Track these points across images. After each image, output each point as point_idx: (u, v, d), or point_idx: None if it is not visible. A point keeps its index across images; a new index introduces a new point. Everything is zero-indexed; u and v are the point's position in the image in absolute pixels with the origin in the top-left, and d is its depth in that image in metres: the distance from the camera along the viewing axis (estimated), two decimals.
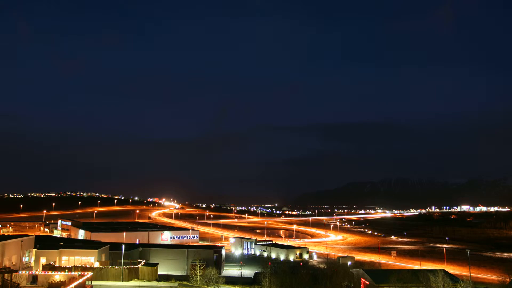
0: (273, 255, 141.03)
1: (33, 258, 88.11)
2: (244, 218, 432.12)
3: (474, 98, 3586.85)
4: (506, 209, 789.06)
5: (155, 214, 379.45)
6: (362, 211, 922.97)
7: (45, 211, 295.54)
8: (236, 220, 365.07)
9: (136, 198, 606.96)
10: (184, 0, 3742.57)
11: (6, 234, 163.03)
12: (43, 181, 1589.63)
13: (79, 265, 78.76)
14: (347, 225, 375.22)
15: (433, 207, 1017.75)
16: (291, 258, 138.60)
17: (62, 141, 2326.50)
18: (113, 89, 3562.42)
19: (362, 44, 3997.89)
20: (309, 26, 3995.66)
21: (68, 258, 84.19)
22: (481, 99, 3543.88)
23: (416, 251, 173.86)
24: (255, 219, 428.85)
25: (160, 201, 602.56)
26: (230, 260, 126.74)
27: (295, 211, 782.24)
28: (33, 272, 69.89)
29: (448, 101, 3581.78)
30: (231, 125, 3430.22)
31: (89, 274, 68.47)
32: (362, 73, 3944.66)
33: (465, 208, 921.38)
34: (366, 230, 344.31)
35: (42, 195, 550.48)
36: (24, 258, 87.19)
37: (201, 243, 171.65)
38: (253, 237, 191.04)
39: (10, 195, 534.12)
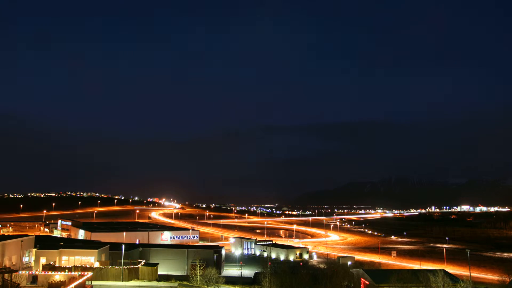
0: (273, 255, 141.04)
1: (33, 258, 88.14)
2: (244, 218, 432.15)
3: (474, 98, 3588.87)
4: (506, 209, 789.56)
5: (155, 214, 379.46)
6: (362, 211, 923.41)
7: (45, 211, 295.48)
8: (236, 220, 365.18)
9: (136, 198, 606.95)
10: None
11: (6, 234, 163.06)
12: (43, 181, 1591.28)
13: (79, 265, 78.78)
14: (347, 225, 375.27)
15: (433, 207, 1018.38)
16: (291, 258, 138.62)
17: (62, 141, 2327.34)
18: (113, 89, 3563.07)
19: (362, 44, 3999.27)
20: (309, 26, 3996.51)
21: (68, 258, 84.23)
22: (481, 99, 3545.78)
23: (416, 251, 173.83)
24: (255, 219, 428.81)
25: (160, 201, 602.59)
26: (230, 260, 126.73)
27: (295, 211, 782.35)
28: (33, 272, 69.92)
29: (448, 101, 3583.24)
30: (231, 125, 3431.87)
31: (89, 274, 68.50)
32: (362, 73, 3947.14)
33: (465, 208, 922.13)
34: (366, 230, 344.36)
35: (42, 195, 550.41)
36: (24, 258, 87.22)
37: (201, 243, 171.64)
38: (253, 237, 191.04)
39: (10, 195, 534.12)
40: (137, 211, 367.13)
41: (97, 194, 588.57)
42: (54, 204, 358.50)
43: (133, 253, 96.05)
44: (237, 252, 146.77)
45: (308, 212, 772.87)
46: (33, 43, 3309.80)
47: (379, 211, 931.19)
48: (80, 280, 62.89)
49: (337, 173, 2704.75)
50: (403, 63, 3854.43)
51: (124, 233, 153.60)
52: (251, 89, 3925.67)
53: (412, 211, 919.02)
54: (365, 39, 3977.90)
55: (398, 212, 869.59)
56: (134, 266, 79.95)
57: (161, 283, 77.03)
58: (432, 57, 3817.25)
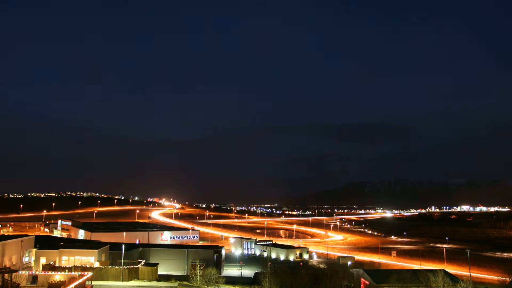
0: (273, 255, 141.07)
1: (33, 258, 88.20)
2: (244, 218, 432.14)
3: (474, 98, 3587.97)
4: (506, 209, 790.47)
5: (155, 214, 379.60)
6: (362, 211, 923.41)
7: (45, 211, 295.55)
8: (236, 220, 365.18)
9: (136, 198, 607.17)
10: None
11: (6, 234, 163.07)
12: (43, 181, 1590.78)
13: (79, 265, 78.84)
14: (347, 225, 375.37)
15: (433, 207, 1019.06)
16: (291, 258, 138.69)
17: (62, 141, 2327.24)
18: (112, 89, 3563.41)
19: (362, 43, 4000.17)
20: (309, 25, 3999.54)
21: (68, 258, 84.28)
22: (481, 99, 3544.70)
23: (416, 251, 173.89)
24: (255, 219, 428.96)
25: (160, 201, 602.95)
26: (230, 260, 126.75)
27: (295, 211, 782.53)
28: (33, 272, 69.95)
29: (448, 101, 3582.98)
30: (231, 125, 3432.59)
31: (89, 274, 68.54)
32: (362, 73, 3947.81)
33: (465, 208, 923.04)
34: (366, 230, 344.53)
35: (42, 195, 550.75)
36: (24, 258, 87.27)
37: (201, 243, 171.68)
38: (253, 237, 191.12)
39: (10, 195, 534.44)
40: (137, 211, 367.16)
41: (97, 194, 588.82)
42: (54, 204, 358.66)
43: (133, 253, 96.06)
44: (237, 252, 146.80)
45: (308, 212, 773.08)
46: (35, 43, 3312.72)
47: (379, 211, 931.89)
48: (80, 280, 62.94)
49: (337, 173, 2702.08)
50: (403, 63, 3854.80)
51: (124, 233, 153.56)
52: (251, 89, 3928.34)
53: (412, 211, 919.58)
54: (366, 39, 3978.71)
55: (398, 212, 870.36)
56: (134, 266, 79.98)
57: (161, 283, 77.07)
58: (432, 57, 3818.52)
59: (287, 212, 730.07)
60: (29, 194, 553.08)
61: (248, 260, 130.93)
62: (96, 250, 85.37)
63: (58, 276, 67.82)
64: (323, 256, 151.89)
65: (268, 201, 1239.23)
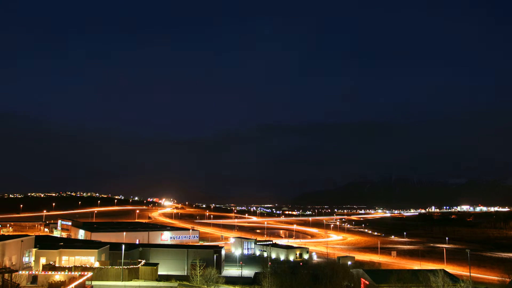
0: (273, 255, 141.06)
1: (33, 258, 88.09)
2: (244, 218, 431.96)
3: (474, 98, 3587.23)
4: (506, 209, 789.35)
5: (155, 214, 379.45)
6: (362, 211, 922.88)
7: (45, 211, 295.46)
8: (236, 220, 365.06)
9: (136, 198, 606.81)
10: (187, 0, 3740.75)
11: (6, 234, 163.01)
12: (43, 181, 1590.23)
13: (79, 265, 78.77)
14: (347, 225, 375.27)
15: (433, 207, 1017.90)
16: (291, 258, 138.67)
17: (62, 141, 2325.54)
18: (113, 89, 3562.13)
19: (362, 43, 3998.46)
20: (309, 25, 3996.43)
21: (68, 258, 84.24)
22: (481, 99, 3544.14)
23: (416, 251, 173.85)
24: (255, 219, 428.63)
25: (160, 201, 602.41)
26: (230, 260, 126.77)
27: (295, 211, 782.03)
28: (33, 272, 69.90)
29: (448, 100, 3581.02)
30: (231, 125, 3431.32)
31: (89, 274, 68.46)
32: (362, 73, 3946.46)
33: (465, 208, 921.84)
34: (366, 230, 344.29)
35: (42, 195, 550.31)
36: (24, 258, 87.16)
37: (201, 243, 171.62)
38: (253, 237, 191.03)
39: (10, 195, 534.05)
40: (137, 211, 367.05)
41: (97, 194, 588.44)
42: (54, 204, 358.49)
43: (133, 253, 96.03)
44: (237, 252, 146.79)
45: (308, 212, 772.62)
46: (32, 43, 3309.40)
47: (379, 211, 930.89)
48: (80, 280, 62.88)
49: (337, 173, 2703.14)
50: (404, 63, 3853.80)
51: (124, 233, 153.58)
52: (251, 89, 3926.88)
53: (412, 211, 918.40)
54: (366, 39, 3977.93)
55: (398, 212, 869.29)
56: (134, 266, 79.94)
57: (161, 283, 77.03)
58: (433, 57, 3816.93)
59: (287, 212, 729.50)
60: (29, 194, 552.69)
61: (248, 260, 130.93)
62: (96, 250, 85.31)
63: (58, 276, 67.76)
64: (323, 256, 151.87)
65: (268, 201, 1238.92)
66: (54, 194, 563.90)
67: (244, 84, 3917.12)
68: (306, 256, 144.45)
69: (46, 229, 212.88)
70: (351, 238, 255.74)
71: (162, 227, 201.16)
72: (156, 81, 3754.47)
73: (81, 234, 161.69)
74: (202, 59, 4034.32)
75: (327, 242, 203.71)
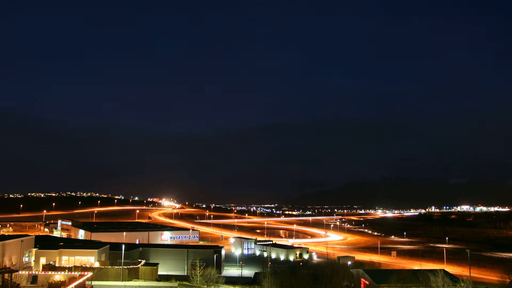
0: (273, 255, 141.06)
1: (33, 258, 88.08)
2: (244, 218, 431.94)
3: (474, 98, 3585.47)
4: (506, 209, 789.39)
5: (155, 214, 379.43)
6: (362, 211, 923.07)
7: (45, 211, 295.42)
8: (236, 220, 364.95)
9: (136, 198, 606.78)
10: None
11: (6, 234, 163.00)
12: (43, 181, 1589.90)
13: (79, 265, 78.80)
14: (347, 225, 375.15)
15: (433, 207, 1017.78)
16: (291, 258, 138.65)
17: (62, 141, 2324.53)
18: (113, 89, 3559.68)
19: (361, 43, 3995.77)
20: (309, 26, 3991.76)
21: (68, 258, 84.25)
22: (481, 98, 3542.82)
23: (416, 251, 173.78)
24: (255, 219, 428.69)
25: (160, 201, 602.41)
26: (230, 260, 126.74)
27: (295, 211, 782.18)
28: (33, 272, 69.92)
29: (448, 100, 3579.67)
30: (231, 124, 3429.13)
31: (89, 274, 68.48)
32: (362, 73, 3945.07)
33: (465, 208, 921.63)
34: (366, 230, 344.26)
35: (42, 195, 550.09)
36: (24, 258, 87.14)
37: (201, 243, 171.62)
38: (253, 237, 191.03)
39: (10, 195, 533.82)
40: (137, 211, 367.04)
41: (97, 194, 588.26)
42: (54, 204, 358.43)
43: (133, 253, 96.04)
44: (237, 252, 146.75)
45: (308, 212, 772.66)
46: (32, 43, 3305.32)
47: (379, 211, 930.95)
48: (80, 280, 62.88)
49: (337, 173, 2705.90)
50: (403, 63, 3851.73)
51: (124, 233, 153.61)
52: (251, 89, 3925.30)
53: (412, 211, 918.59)
54: (366, 39, 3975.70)
55: (398, 212, 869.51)
56: (134, 266, 79.95)
57: (161, 283, 77.04)
58: (432, 57, 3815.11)
59: (287, 212, 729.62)
60: (29, 194, 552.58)
61: (248, 260, 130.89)
62: (96, 250, 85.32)
63: (58, 276, 67.78)
64: (323, 256, 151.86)
65: (268, 201, 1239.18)
66: (54, 194, 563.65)
67: (244, 84, 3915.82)
68: (306, 256, 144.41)
69: (46, 229, 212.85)
70: (351, 238, 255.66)
71: (162, 227, 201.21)
72: (156, 81, 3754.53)
73: (81, 234, 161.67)
74: (202, 59, 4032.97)
75: (327, 242, 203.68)
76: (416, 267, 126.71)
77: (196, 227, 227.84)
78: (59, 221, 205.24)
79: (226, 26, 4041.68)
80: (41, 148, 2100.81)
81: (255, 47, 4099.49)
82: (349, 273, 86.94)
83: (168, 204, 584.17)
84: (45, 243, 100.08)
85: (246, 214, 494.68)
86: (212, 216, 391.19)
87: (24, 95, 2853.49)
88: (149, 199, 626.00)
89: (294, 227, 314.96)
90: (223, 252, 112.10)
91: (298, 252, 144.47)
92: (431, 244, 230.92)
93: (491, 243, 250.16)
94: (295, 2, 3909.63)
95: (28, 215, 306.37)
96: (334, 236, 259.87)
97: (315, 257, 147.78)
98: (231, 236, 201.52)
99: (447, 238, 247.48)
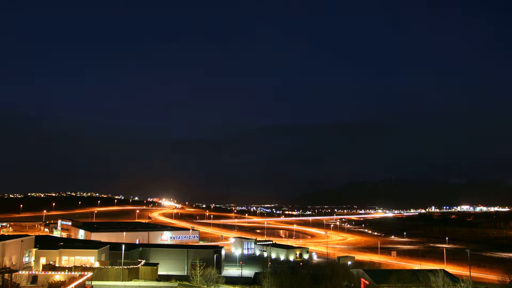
0: (273, 255, 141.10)
1: (33, 258, 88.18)
2: (244, 218, 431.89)
3: (474, 98, 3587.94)
4: (506, 209, 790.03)
5: (155, 214, 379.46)
6: (362, 211, 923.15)
7: (45, 211, 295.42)
8: (236, 220, 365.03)
9: (136, 198, 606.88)
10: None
11: (6, 234, 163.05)
12: (43, 181, 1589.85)
13: (79, 265, 78.83)
14: (347, 225, 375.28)
15: (433, 207, 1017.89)
16: (291, 258, 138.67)
17: (62, 141, 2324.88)
18: (113, 89, 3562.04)
19: (362, 44, 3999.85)
20: (309, 26, 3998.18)
21: (68, 258, 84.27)
22: (481, 98, 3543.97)
23: (416, 251, 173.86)
24: (255, 219, 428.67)
25: (160, 201, 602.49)
26: (230, 260, 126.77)
27: (295, 211, 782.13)
28: (33, 272, 69.95)
29: (448, 100, 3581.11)
30: (231, 125, 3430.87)
31: (89, 274, 68.52)
32: (362, 73, 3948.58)
33: (465, 208, 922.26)
34: (366, 230, 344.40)
35: (42, 195, 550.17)
36: (24, 258, 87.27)
37: (201, 243, 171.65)
38: (253, 237, 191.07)
39: (10, 195, 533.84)
40: (137, 211, 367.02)
41: (97, 194, 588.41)
42: (54, 204, 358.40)
43: (133, 253, 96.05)
44: (237, 252, 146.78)
45: (308, 212, 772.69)
46: (32, 43, 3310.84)
47: (379, 211, 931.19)
48: (80, 280, 62.90)
49: (337, 173, 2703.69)
50: (403, 63, 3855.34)
51: (124, 233, 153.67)
52: (251, 89, 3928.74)
53: (412, 211, 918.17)
54: (366, 39, 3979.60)
55: (398, 212, 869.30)
56: (134, 266, 79.96)
57: (161, 283, 77.06)
58: (432, 58, 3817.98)
59: (287, 212, 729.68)
60: (29, 194, 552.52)
61: (248, 260, 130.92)
62: (96, 250, 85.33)
63: (58, 276, 67.80)
64: (323, 256, 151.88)
65: (268, 201, 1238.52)
66: (54, 194, 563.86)
67: (244, 84, 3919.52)
68: (306, 256, 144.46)
69: (46, 229, 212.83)
70: (351, 238, 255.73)
71: (162, 227, 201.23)
72: (156, 81, 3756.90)
73: (81, 234, 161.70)
74: (202, 59, 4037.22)
75: (327, 242, 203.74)
76: (416, 267, 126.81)
77: (196, 227, 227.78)
78: (59, 221, 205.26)
79: (226, 24, 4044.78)
80: (41, 148, 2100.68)
81: (256, 47, 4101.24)
82: (349, 273, 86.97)
83: (168, 204, 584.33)
84: (45, 243, 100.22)
85: (246, 214, 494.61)
86: (212, 216, 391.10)
87: (24, 95, 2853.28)
88: (149, 199, 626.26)
89: (294, 227, 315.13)
90: (223, 252, 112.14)
91: (298, 252, 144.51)
92: (431, 244, 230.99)
93: (491, 243, 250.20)
94: (296, 3, 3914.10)
95: (28, 215, 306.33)
96: (334, 236, 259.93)
97: (315, 257, 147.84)
98: (231, 236, 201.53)
99: (447, 238, 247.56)
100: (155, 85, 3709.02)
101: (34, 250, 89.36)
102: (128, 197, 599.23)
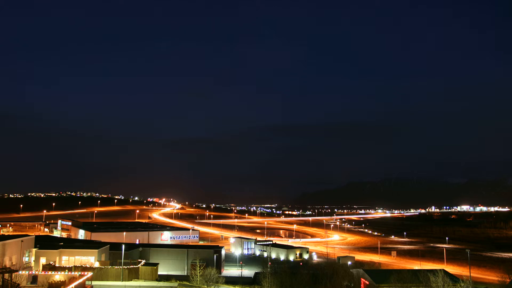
0: (273, 255, 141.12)
1: (33, 258, 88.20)
2: (244, 218, 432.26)
3: (474, 98, 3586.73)
4: (506, 209, 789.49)
5: (155, 214, 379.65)
6: (362, 211, 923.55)
7: (45, 211, 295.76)
8: (236, 220, 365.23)
9: (136, 198, 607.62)
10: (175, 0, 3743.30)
11: (6, 234, 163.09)
12: (43, 181, 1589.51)
13: (79, 265, 78.86)
14: (347, 225, 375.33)
15: (433, 207, 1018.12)
16: (291, 258, 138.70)
17: (62, 141, 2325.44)
18: (112, 91, 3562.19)
19: (362, 43, 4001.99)
20: (309, 26, 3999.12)
21: (68, 258, 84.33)
22: (481, 98, 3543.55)
23: (416, 251, 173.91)
24: (255, 219, 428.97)
25: (160, 201, 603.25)
26: (230, 260, 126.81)
27: (295, 211, 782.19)
28: (33, 272, 69.94)
29: (448, 100, 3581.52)
30: (231, 124, 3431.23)
31: (89, 274, 68.54)
32: (362, 73, 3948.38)
33: (465, 208, 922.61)
34: (366, 230, 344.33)
35: (42, 195, 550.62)
36: (24, 258, 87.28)
37: (201, 243, 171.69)
38: (253, 237, 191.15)
39: (10, 195, 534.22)
40: (137, 211, 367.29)
41: (97, 194, 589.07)
42: (54, 204, 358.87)
43: (133, 253, 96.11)
44: (237, 252, 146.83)
45: (308, 212, 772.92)
46: (32, 43, 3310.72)
47: (379, 211, 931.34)
48: (80, 280, 62.92)
49: (337, 173, 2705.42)
50: (403, 63, 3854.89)
51: (124, 233, 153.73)
52: (251, 89, 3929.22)
53: (412, 211, 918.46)
54: (366, 39, 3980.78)
55: (398, 212, 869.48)
56: (134, 266, 79.99)
57: (161, 283, 77.08)
58: (431, 56, 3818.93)
59: (287, 212, 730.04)
60: (29, 194, 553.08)
61: (248, 260, 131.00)
62: (96, 250, 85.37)
63: (58, 276, 67.81)
64: (323, 256, 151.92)
65: (268, 201, 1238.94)
66: (54, 194, 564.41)
67: (244, 84, 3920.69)
68: (306, 256, 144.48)
69: (46, 229, 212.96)
70: (351, 238, 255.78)
71: (162, 227, 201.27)
72: (156, 81, 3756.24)
73: (81, 234, 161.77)
74: (202, 59, 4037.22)
75: (327, 242, 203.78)
76: (416, 267, 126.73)
77: (196, 227, 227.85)
78: (59, 221, 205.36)
79: (227, 26, 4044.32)
80: (41, 148, 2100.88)
81: (256, 47, 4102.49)
82: (349, 273, 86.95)
83: (168, 204, 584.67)
84: (45, 243, 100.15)
85: (246, 214, 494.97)
86: (212, 216, 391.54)
87: (24, 95, 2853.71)
88: (149, 199, 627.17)
89: (294, 227, 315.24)
90: (223, 252, 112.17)
91: (298, 252, 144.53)
92: (431, 244, 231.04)
93: (491, 243, 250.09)
94: (297, 3, 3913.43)
95: (28, 215, 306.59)
96: (334, 236, 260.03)
97: (315, 257, 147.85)
98: (231, 236, 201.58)
99: (447, 238, 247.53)
100: (155, 85, 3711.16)
101: (34, 250, 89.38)
102: (128, 197, 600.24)
